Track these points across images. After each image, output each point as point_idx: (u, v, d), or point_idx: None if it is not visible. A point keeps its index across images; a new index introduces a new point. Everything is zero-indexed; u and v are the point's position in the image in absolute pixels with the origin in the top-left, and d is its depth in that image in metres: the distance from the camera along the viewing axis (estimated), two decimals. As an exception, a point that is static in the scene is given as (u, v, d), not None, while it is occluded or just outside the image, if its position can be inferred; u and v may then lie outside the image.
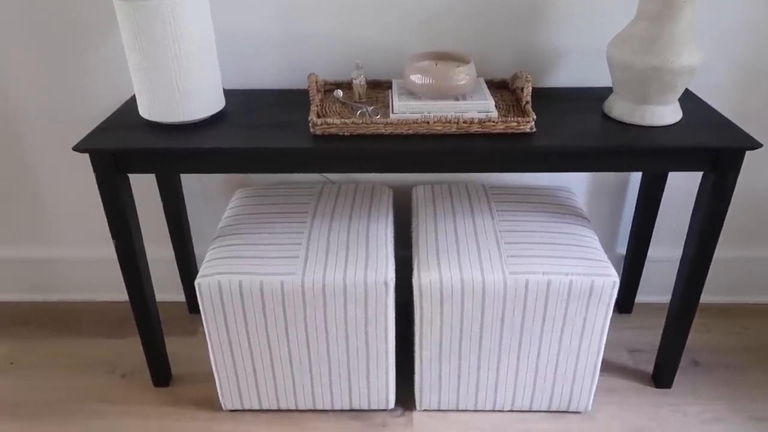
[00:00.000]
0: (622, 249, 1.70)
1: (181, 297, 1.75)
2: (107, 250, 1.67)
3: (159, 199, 1.61)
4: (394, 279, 1.23)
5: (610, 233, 1.68)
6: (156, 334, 1.41)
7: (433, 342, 1.30)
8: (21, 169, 1.61)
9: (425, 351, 1.31)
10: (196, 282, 1.24)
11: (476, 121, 1.18)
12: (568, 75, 1.46)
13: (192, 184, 1.62)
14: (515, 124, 1.18)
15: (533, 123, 1.18)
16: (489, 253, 1.27)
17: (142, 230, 1.34)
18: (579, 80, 1.45)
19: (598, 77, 1.44)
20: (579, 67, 1.44)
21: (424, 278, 1.23)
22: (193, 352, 1.59)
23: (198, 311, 1.73)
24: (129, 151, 1.18)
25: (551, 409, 1.40)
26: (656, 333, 1.61)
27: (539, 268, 1.23)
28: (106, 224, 1.64)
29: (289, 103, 1.36)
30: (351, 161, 1.20)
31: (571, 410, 1.39)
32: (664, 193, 1.55)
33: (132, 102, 1.37)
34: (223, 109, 1.31)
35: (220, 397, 1.39)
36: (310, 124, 1.19)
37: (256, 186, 1.55)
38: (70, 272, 1.76)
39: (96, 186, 1.59)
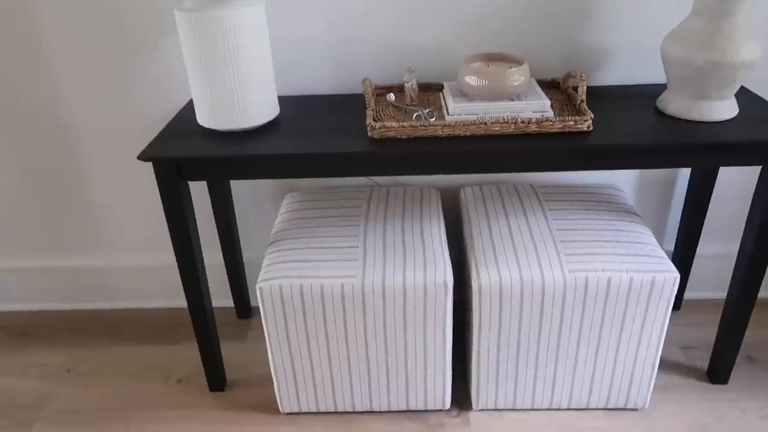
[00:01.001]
0: (669, 245, 1.69)
1: (228, 302, 1.77)
2: (159, 258, 1.70)
3: (205, 205, 1.63)
4: (452, 280, 1.24)
5: (657, 229, 1.68)
6: (212, 340, 1.43)
7: (491, 341, 1.30)
8: (74, 179, 1.63)
9: (483, 351, 1.31)
10: (257, 286, 1.25)
11: (533, 120, 1.18)
12: (615, 72, 1.45)
13: (240, 189, 1.64)
14: (572, 123, 1.18)
15: (591, 122, 1.19)
16: (546, 251, 1.27)
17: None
18: (627, 77, 1.45)
19: (647, 74, 1.44)
20: (627, 64, 1.44)
21: (483, 278, 1.24)
22: (244, 357, 1.60)
23: (247, 316, 1.76)
24: (192, 159, 1.20)
25: (609, 407, 1.39)
26: (707, 329, 1.61)
27: (599, 266, 1.23)
28: (159, 232, 1.68)
29: (340, 108, 1.37)
30: (410, 164, 1.21)
31: (628, 407, 1.39)
32: (714, 188, 1.54)
33: (187, 109, 1.39)
34: (278, 116, 1.33)
35: (278, 400, 1.40)
36: (368, 128, 1.20)
37: (306, 190, 1.56)
38: (123, 280, 1.78)
39: (148, 194, 1.63)
